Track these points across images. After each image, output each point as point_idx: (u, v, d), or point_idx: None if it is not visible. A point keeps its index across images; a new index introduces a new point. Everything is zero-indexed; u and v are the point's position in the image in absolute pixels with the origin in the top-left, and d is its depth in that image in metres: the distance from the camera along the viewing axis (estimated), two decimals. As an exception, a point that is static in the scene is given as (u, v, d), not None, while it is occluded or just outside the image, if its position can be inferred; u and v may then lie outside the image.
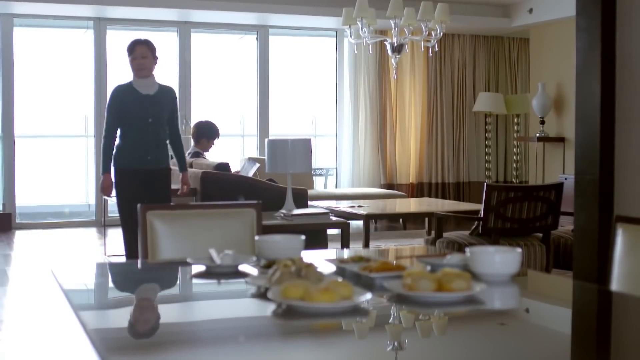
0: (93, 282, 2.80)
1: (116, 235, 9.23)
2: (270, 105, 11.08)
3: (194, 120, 10.64)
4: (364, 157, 11.26)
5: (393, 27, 7.93)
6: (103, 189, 5.66)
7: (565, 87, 10.28)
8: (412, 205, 8.40)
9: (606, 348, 1.97)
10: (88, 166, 10.52)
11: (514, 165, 11.58)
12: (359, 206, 7.49)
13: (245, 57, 11.08)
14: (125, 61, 5.59)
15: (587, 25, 4.41)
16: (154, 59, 5.57)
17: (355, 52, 10.40)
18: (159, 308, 2.36)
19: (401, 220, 9.99)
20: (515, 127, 11.66)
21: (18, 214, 10.09)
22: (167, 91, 5.62)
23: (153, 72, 5.57)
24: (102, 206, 9.69)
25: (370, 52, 9.81)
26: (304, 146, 5.67)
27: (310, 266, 2.32)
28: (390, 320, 2.14)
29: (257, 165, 7.90)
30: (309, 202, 7.08)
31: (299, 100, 11.48)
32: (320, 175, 11.40)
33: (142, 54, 5.50)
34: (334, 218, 5.99)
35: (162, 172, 5.61)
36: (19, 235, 9.41)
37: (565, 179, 8.27)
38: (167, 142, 5.68)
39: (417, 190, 11.53)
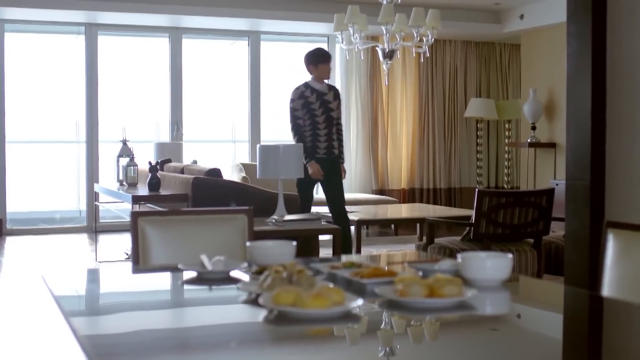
0: (84, 288, 2.79)
1: (107, 241, 9.21)
2: (261, 110, 11.08)
3: (185, 126, 10.64)
4: (355, 163, 11.26)
5: (384, 33, 7.94)
6: None
7: (556, 93, 10.32)
8: (403, 210, 8.41)
9: (597, 353, 1.97)
10: (79, 172, 10.48)
11: (506, 170, 11.60)
12: (351, 212, 7.49)
13: (236, 63, 11.08)
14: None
15: (577, 31, 4.42)
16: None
17: (347, 57, 10.41)
18: (151, 314, 2.35)
19: (393, 225, 9.99)
20: (506, 133, 11.69)
21: (9, 220, 10.06)
22: None
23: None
24: (93, 212, 9.67)
25: (362, 57, 9.82)
26: (296, 152, 5.67)
27: (302, 272, 2.32)
28: (382, 326, 2.14)
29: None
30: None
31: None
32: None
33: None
34: (325, 224, 5.98)
35: None
36: (10, 241, 9.38)
37: (557, 184, 8.29)
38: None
39: (408, 195, 11.54)
